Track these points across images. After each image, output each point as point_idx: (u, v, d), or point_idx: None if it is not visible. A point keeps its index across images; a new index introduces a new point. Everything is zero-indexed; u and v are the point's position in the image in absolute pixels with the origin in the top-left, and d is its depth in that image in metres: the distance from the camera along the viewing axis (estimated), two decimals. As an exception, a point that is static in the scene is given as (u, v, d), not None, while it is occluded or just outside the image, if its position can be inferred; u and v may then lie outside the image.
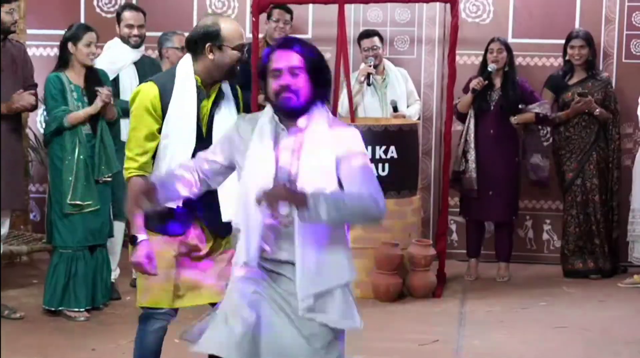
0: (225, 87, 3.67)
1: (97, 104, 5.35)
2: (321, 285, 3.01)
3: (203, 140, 3.55)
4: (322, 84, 3.10)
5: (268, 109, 3.13)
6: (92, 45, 5.41)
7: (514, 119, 6.51)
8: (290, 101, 3.03)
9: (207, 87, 3.62)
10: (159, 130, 3.56)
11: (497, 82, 6.55)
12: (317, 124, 3.07)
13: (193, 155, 3.44)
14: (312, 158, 3.03)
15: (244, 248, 3.09)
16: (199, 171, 3.24)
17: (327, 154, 3.03)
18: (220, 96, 3.65)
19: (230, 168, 3.23)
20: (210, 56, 3.55)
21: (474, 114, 6.55)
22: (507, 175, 6.56)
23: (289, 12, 6.75)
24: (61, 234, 5.41)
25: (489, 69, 6.44)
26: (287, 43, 3.10)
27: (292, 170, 3.04)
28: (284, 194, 2.87)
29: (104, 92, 5.36)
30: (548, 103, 6.64)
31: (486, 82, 6.45)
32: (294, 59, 3.04)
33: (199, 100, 3.59)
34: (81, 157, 5.36)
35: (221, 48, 3.54)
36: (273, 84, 3.05)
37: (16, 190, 5.54)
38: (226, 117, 3.60)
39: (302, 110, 3.06)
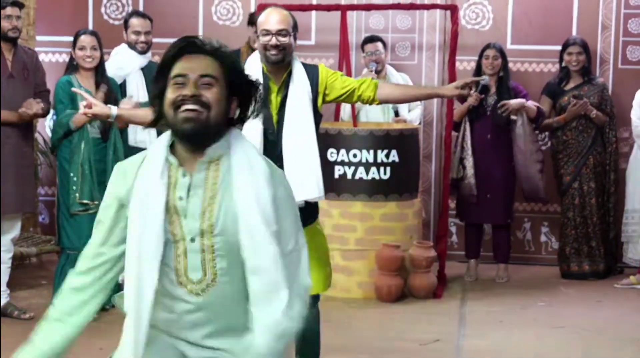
0: (296, 70, 3.77)
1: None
2: None
3: (273, 131, 3.71)
4: (243, 98, 2.36)
5: (159, 144, 2.36)
6: (88, 49, 5.41)
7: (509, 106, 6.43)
8: (197, 117, 2.26)
9: (274, 75, 3.76)
10: None
11: (493, 87, 6.54)
12: (240, 148, 2.34)
13: (265, 150, 3.57)
14: (246, 189, 2.29)
15: (132, 341, 2.56)
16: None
17: (261, 180, 2.31)
18: (288, 82, 3.75)
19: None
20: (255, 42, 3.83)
21: (469, 120, 6.54)
22: (503, 178, 6.55)
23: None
24: (68, 236, 5.40)
25: (483, 82, 6.36)
26: (195, 44, 2.39)
27: (205, 218, 2.31)
28: None
29: (101, 92, 5.37)
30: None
31: (482, 96, 6.44)
32: (205, 64, 2.32)
33: (265, 87, 3.60)
34: (88, 157, 5.36)
35: (257, 33, 3.78)
36: (171, 95, 2.29)
37: (26, 193, 5.54)
38: (298, 100, 3.73)
39: (212, 135, 2.30)
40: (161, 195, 2.31)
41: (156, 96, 2.33)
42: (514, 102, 6.41)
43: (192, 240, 2.34)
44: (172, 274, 2.37)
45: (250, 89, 2.37)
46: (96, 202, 5.38)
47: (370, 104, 3.92)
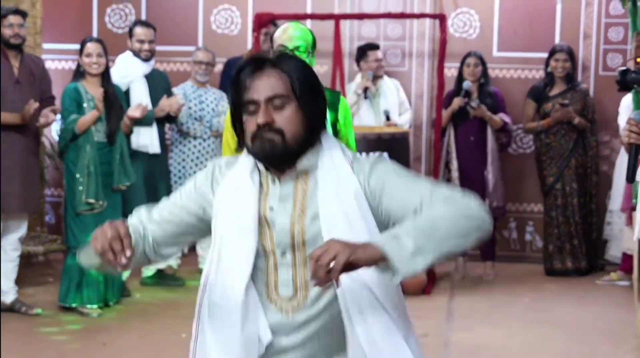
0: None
1: (99, 106, 5.38)
2: None
3: None
4: (317, 110, 2.11)
5: (245, 158, 2.15)
6: (94, 56, 5.44)
7: (477, 108, 6.48)
8: (272, 147, 2.04)
9: None
10: None
11: (475, 92, 6.59)
12: (328, 159, 2.10)
13: None
14: (331, 205, 2.05)
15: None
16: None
17: (349, 196, 2.05)
18: None
19: (189, 233, 2.23)
20: None
21: (453, 124, 6.58)
22: (484, 178, 6.58)
23: (276, 25, 6.77)
24: (75, 235, 5.43)
25: (465, 88, 6.46)
26: (262, 60, 2.08)
27: (296, 231, 2.08)
28: (340, 250, 1.86)
29: (98, 94, 5.41)
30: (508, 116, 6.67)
31: (466, 99, 6.49)
32: (272, 83, 2.05)
33: None
34: (93, 159, 5.38)
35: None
36: (248, 127, 2.08)
37: (32, 194, 5.56)
38: None
39: (296, 154, 2.08)
40: (254, 202, 2.09)
41: (236, 127, 2.11)
42: (483, 111, 6.47)
43: (283, 253, 2.10)
44: (263, 288, 2.12)
45: (317, 99, 2.10)
46: (101, 202, 5.42)
47: None
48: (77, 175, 5.37)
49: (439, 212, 1.96)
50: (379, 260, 1.90)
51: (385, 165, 2.10)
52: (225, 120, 3.55)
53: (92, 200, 5.38)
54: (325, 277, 1.86)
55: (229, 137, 3.70)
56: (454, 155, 6.55)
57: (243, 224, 2.08)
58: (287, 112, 2.04)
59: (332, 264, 1.85)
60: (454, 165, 6.55)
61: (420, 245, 1.90)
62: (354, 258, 1.87)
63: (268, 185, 2.12)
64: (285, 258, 2.10)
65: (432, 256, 1.92)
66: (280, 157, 2.06)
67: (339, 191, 2.05)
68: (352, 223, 2.03)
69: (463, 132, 6.57)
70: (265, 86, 2.04)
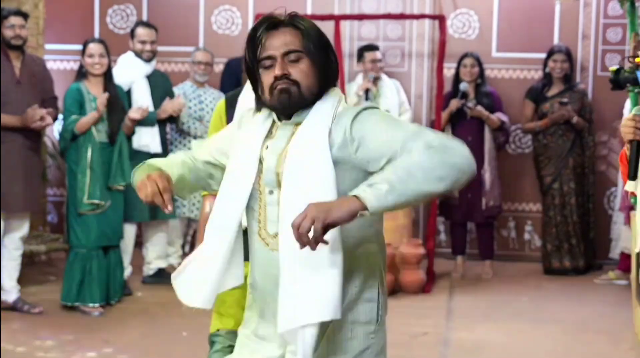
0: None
1: (100, 108, 5.39)
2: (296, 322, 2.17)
3: None
4: (328, 64, 2.26)
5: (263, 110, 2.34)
6: (96, 56, 5.45)
7: (474, 108, 6.48)
8: (289, 93, 2.21)
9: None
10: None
11: (471, 92, 6.59)
12: (315, 112, 2.23)
13: None
14: (300, 157, 2.18)
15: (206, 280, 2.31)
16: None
17: (321, 152, 2.16)
18: None
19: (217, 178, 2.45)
20: None
21: (451, 124, 6.58)
22: (481, 177, 6.58)
23: None
24: (77, 234, 5.43)
25: (462, 89, 6.47)
26: (276, 20, 2.26)
27: (279, 172, 2.22)
28: (316, 215, 2.00)
29: (103, 96, 5.40)
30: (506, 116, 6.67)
31: (463, 100, 6.49)
32: (287, 40, 2.22)
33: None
34: (95, 160, 5.39)
35: None
36: (265, 80, 2.24)
37: (34, 194, 5.56)
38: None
39: (306, 106, 2.24)
40: (258, 145, 2.26)
41: (254, 84, 2.28)
42: (480, 111, 6.47)
43: (271, 192, 2.24)
44: (255, 225, 2.28)
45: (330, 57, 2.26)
46: (103, 203, 5.42)
47: None
48: (79, 176, 5.38)
49: (417, 159, 2.04)
50: (357, 211, 2.02)
51: (371, 113, 2.19)
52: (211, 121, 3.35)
53: (95, 201, 5.38)
54: (309, 241, 2.01)
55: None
56: None
57: (245, 163, 2.26)
58: (301, 65, 2.21)
59: (312, 230, 2.00)
60: None
61: (393, 186, 2.01)
62: (331, 220, 2.01)
63: (276, 132, 2.28)
64: (272, 196, 2.24)
65: (405, 196, 2.03)
66: (296, 106, 2.21)
67: (307, 143, 2.18)
68: (310, 174, 2.15)
69: (461, 133, 6.56)
70: (280, 42, 2.21)
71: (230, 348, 3.03)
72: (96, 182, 5.39)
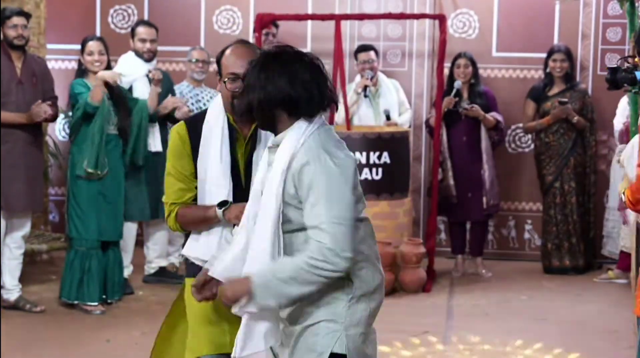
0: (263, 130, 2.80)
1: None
2: None
3: (241, 189, 2.90)
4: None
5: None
6: (96, 54, 5.46)
7: (470, 109, 6.45)
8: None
9: (241, 127, 2.92)
10: (195, 174, 2.95)
11: (465, 93, 6.58)
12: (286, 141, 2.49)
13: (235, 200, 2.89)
14: (257, 179, 2.63)
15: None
16: None
17: (271, 181, 2.50)
18: (255, 139, 2.92)
19: None
20: (219, 87, 2.93)
21: (445, 124, 6.56)
22: (480, 176, 6.56)
23: (277, 26, 6.78)
24: (77, 227, 5.43)
25: (456, 87, 6.47)
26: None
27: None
28: (230, 292, 2.51)
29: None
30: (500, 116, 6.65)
31: (456, 99, 6.47)
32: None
33: (231, 141, 2.91)
34: (99, 131, 5.38)
35: (221, 78, 2.91)
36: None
37: (36, 193, 5.55)
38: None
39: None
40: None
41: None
42: (477, 111, 6.45)
43: None
44: None
45: None
46: (99, 172, 5.40)
47: None
48: (84, 146, 5.37)
49: (291, 264, 2.44)
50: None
51: (310, 173, 2.44)
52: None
53: (90, 170, 5.37)
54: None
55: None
56: (447, 155, 6.55)
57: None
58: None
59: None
60: (448, 165, 6.54)
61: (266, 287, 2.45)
62: (230, 296, 2.52)
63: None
64: None
65: (276, 301, 2.46)
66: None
67: (269, 172, 2.53)
68: (263, 201, 2.53)
69: (455, 133, 6.56)
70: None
71: None
72: (96, 153, 5.36)
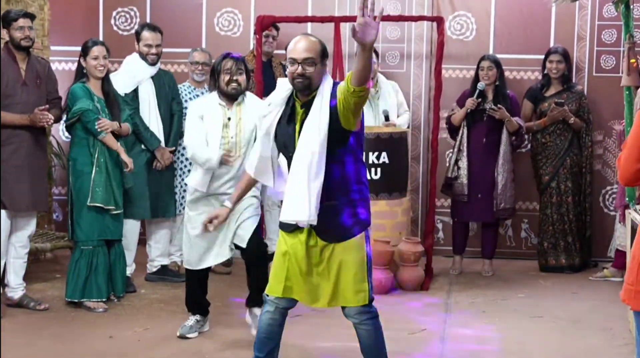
0: (320, 94, 3.57)
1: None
2: None
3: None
4: None
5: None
6: (100, 58, 5.44)
7: (497, 110, 6.44)
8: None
9: (300, 96, 3.65)
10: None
11: (490, 95, 6.56)
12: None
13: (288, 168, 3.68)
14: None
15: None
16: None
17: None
18: (309, 108, 3.59)
19: None
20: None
21: (467, 124, 6.55)
22: (494, 178, 6.55)
23: (277, 29, 6.79)
24: (82, 229, 5.42)
25: (479, 88, 6.43)
26: None
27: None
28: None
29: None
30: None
31: (479, 100, 6.46)
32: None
33: (292, 108, 3.66)
34: (102, 161, 5.39)
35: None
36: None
37: (40, 193, 5.56)
38: (314, 124, 3.55)
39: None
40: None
41: None
42: (504, 112, 6.43)
43: None
44: None
45: None
46: (109, 207, 5.42)
47: (352, 92, 3.41)
48: (85, 176, 5.37)
49: None
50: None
51: None
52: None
53: (98, 204, 5.38)
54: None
55: None
56: (464, 154, 6.52)
57: None
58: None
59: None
60: (464, 163, 6.52)
61: None
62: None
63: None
64: None
65: None
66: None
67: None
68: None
69: (476, 134, 6.52)
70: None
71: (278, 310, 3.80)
72: (101, 185, 5.38)
